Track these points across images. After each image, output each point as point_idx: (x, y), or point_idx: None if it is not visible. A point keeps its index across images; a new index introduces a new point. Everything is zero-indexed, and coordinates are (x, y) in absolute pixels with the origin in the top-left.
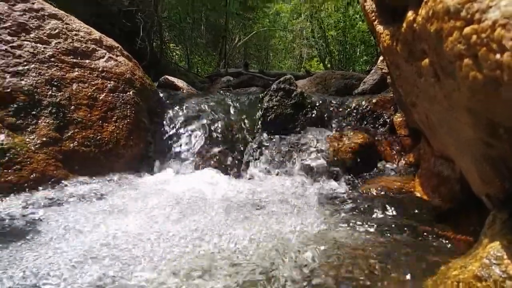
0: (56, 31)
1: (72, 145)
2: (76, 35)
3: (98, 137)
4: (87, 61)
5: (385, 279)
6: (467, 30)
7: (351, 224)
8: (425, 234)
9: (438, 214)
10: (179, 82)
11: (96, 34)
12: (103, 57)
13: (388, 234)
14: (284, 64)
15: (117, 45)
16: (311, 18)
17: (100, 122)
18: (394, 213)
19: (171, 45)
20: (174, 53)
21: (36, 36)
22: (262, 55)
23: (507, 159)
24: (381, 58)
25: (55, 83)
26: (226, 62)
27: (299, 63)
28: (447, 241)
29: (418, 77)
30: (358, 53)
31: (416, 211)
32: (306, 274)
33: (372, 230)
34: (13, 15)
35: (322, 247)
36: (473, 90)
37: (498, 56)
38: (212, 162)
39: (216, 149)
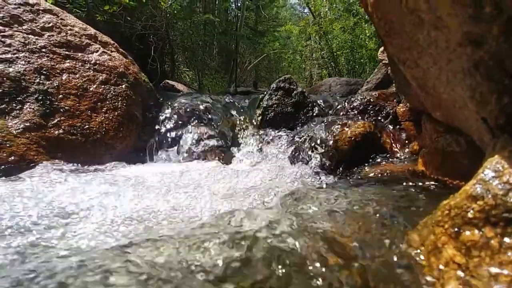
0: (50, 24)
1: (57, 132)
2: (70, 29)
3: (86, 127)
4: (79, 54)
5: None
6: None
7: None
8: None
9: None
10: (179, 86)
11: (91, 30)
12: (97, 51)
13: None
14: None
15: (112, 42)
16: (319, 39)
17: (89, 112)
18: (394, 183)
19: (184, 69)
20: (185, 75)
21: (29, 28)
22: (273, 77)
23: (500, 56)
24: (381, 49)
25: (44, 72)
26: (236, 84)
27: (309, 83)
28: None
29: (406, 11)
30: (368, 71)
31: (418, 182)
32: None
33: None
34: (6, 8)
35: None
36: None
37: None
38: (205, 156)
39: (210, 145)
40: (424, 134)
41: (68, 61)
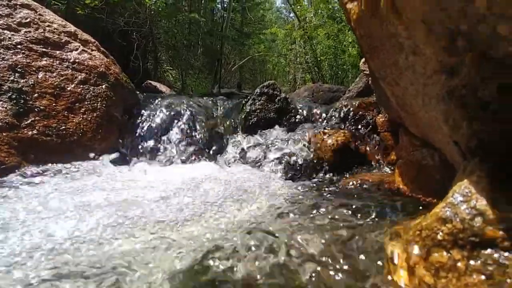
0: (27, 20)
1: (30, 133)
2: (49, 26)
3: (62, 128)
4: (57, 51)
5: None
6: None
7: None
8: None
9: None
10: (162, 87)
11: (71, 28)
12: (77, 49)
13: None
14: None
15: (93, 40)
16: (304, 44)
17: (66, 112)
18: (370, 196)
19: (167, 68)
20: (168, 74)
21: (5, 23)
22: (257, 79)
23: (474, 86)
24: (362, 60)
25: (19, 70)
26: (220, 85)
27: (292, 86)
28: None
29: (387, 34)
30: (350, 77)
31: (393, 195)
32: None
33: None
34: None
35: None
36: None
37: None
38: (184, 159)
39: (191, 147)
40: (401, 146)
41: (45, 58)
